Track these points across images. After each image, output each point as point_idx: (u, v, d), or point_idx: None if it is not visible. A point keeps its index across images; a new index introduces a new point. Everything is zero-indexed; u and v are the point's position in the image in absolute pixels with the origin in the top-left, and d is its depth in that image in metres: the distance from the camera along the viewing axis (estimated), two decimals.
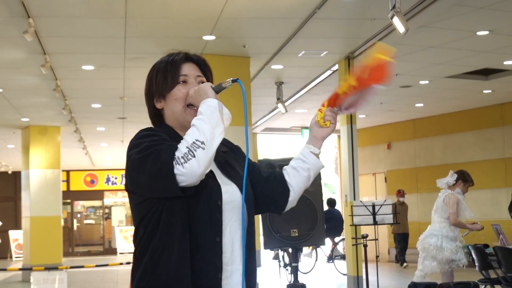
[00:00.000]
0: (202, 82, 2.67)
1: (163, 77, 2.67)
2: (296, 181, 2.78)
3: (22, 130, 18.17)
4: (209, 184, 2.51)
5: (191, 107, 2.63)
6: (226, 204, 2.55)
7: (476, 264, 8.79)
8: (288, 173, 2.79)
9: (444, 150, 17.72)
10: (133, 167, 2.51)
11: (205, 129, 2.40)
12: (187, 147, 2.37)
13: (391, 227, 17.07)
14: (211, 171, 2.55)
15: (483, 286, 8.86)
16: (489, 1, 8.55)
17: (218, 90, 2.57)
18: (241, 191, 2.60)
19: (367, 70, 2.55)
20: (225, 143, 2.73)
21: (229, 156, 2.76)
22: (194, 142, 2.37)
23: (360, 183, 11.93)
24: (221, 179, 2.62)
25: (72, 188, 29.77)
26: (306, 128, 19.49)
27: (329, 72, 12.18)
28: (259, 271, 14.70)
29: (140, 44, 10.08)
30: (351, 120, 11.35)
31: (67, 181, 29.28)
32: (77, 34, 9.59)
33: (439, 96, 15.29)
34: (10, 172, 27.94)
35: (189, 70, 2.70)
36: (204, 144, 2.37)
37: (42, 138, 17.93)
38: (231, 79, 2.57)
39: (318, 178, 5.83)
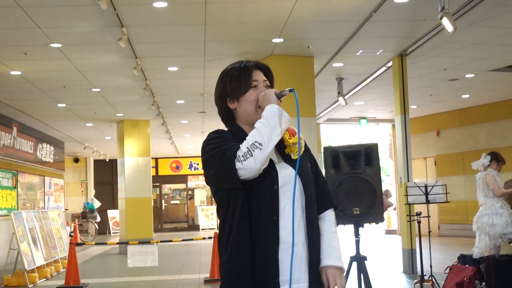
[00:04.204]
0: (268, 86, 2.75)
1: (237, 82, 2.70)
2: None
3: (117, 123, 18.50)
4: (267, 172, 2.54)
5: (261, 108, 2.66)
6: (283, 187, 2.58)
7: None
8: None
9: (488, 136, 17.32)
10: (203, 165, 2.62)
11: (264, 132, 2.48)
12: (247, 147, 2.46)
13: None
14: (270, 160, 2.58)
15: None
16: None
17: (279, 96, 2.64)
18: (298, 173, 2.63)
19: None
20: None
21: None
22: (253, 143, 2.46)
23: (413, 167, 11.76)
24: (281, 165, 2.65)
25: (160, 173, 30.17)
26: (364, 118, 19.32)
27: (384, 68, 12.02)
28: None
29: (218, 47, 10.12)
30: (404, 110, 11.17)
31: (156, 167, 29.69)
32: (163, 40, 9.69)
33: (484, 87, 14.92)
34: (107, 160, 28.52)
35: (258, 76, 2.74)
36: (261, 145, 2.45)
37: (134, 130, 18.23)
38: (289, 88, 2.65)
39: (377, 162, 5.77)
